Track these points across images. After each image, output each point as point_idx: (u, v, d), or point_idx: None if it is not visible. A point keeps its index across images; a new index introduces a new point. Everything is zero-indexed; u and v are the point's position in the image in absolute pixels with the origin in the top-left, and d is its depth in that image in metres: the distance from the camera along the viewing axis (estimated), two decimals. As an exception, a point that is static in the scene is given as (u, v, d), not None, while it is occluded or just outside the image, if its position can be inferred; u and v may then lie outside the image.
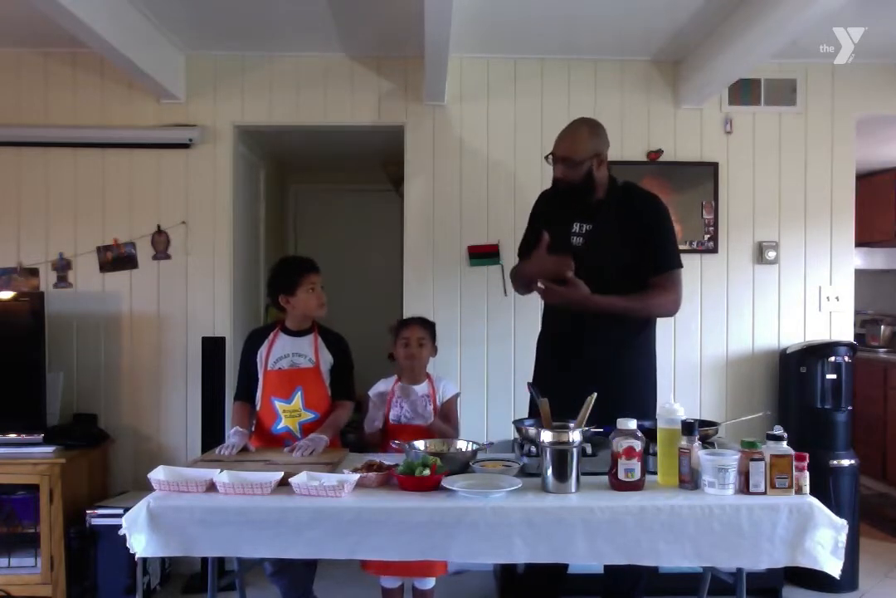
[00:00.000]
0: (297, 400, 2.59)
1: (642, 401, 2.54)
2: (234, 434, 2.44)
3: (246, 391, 2.67)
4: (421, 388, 2.71)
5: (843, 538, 1.86)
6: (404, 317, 3.09)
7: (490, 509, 1.85)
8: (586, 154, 2.50)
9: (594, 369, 2.51)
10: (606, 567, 2.49)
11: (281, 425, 2.59)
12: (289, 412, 2.59)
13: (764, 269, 3.60)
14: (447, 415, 2.72)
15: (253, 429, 2.62)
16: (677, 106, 3.58)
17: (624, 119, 3.58)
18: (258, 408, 2.63)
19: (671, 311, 2.63)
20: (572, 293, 2.41)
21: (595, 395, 2.11)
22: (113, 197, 3.50)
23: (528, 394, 2.43)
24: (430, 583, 2.66)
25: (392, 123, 3.58)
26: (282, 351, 2.64)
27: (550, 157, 2.58)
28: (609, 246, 2.53)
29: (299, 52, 3.51)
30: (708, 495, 1.91)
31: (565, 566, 2.63)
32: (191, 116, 3.52)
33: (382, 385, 2.72)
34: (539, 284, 2.46)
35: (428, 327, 2.80)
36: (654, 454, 2.06)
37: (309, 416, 2.59)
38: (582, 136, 2.53)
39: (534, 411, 2.64)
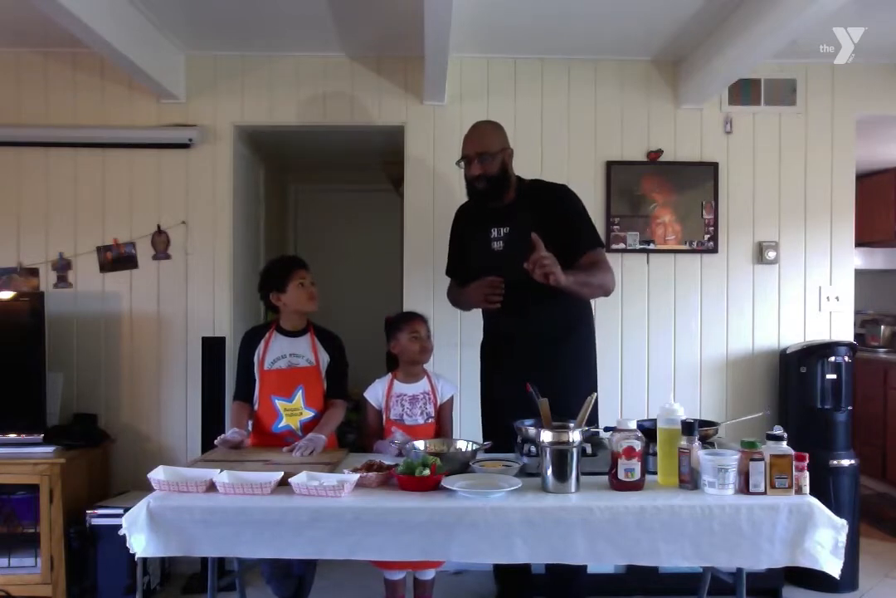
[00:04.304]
0: (299, 399, 2.60)
1: (578, 389, 2.50)
2: (231, 434, 2.45)
3: (245, 391, 2.66)
4: (420, 386, 2.69)
5: (842, 537, 1.86)
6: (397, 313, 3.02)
7: (490, 509, 1.85)
8: (497, 146, 2.62)
9: (532, 361, 2.58)
10: (548, 569, 2.57)
11: (282, 424, 2.59)
12: (290, 411, 2.59)
13: (764, 269, 3.60)
14: (443, 420, 2.71)
15: (250, 428, 2.62)
16: (677, 106, 3.59)
17: (624, 119, 3.58)
18: (256, 407, 2.63)
19: (613, 285, 2.66)
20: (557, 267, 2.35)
21: (595, 395, 2.11)
22: (113, 197, 3.50)
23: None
24: (430, 574, 2.68)
25: (392, 123, 3.58)
26: (279, 352, 2.63)
27: (462, 161, 2.65)
28: (529, 245, 2.51)
29: (299, 52, 3.51)
30: (708, 496, 1.91)
31: (528, 568, 2.67)
32: (191, 116, 3.52)
33: (379, 385, 2.70)
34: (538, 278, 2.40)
35: (426, 321, 2.78)
36: (654, 454, 2.06)
37: (309, 414, 2.60)
38: (488, 131, 2.66)
39: (488, 429, 2.75)
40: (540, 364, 2.57)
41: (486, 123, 2.73)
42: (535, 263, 2.32)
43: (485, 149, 2.59)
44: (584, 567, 2.57)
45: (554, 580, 2.63)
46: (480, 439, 2.56)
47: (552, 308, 2.57)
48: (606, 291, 2.66)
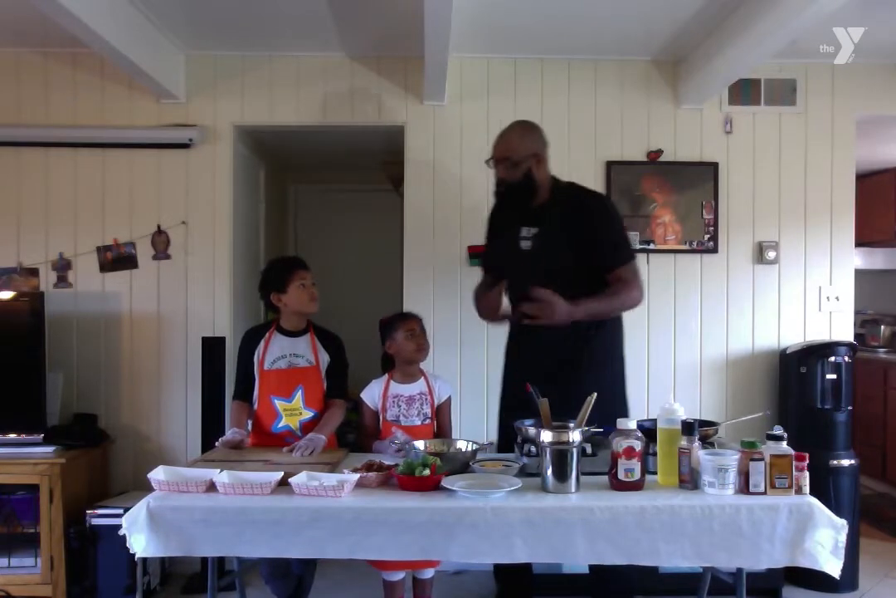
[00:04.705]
0: (298, 399, 2.60)
1: (607, 398, 2.53)
2: (231, 434, 2.46)
3: (244, 391, 2.67)
4: (417, 386, 2.68)
5: (842, 537, 1.86)
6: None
7: (490, 509, 1.85)
8: (522, 154, 2.56)
9: (555, 362, 2.54)
10: (592, 568, 2.50)
11: (282, 424, 2.60)
12: (289, 411, 2.59)
13: (764, 269, 3.60)
14: (441, 421, 2.70)
15: (250, 428, 2.62)
16: (677, 106, 3.59)
17: (624, 119, 3.58)
18: (255, 407, 2.64)
19: (638, 302, 2.61)
20: (557, 310, 2.35)
21: (595, 395, 2.11)
22: (113, 197, 3.50)
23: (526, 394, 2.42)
24: (429, 573, 2.68)
25: (392, 123, 3.58)
26: (279, 352, 2.63)
27: (492, 161, 2.62)
28: (556, 248, 2.52)
29: (299, 52, 3.51)
30: (708, 495, 1.91)
31: (529, 567, 2.65)
32: (191, 116, 3.52)
33: (375, 386, 2.69)
34: (524, 319, 2.42)
35: (421, 320, 2.77)
36: (654, 454, 2.06)
37: (309, 414, 2.60)
38: (515, 137, 2.60)
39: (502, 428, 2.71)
40: (563, 366, 2.53)
41: (518, 126, 2.64)
42: (535, 311, 2.35)
43: (507, 155, 2.56)
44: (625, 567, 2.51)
45: (598, 580, 2.58)
46: (483, 437, 2.56)
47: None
48: (632, 307, 2.60)
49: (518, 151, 2.56)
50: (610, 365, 2.66)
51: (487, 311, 2.80)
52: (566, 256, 2.52)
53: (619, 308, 2.59)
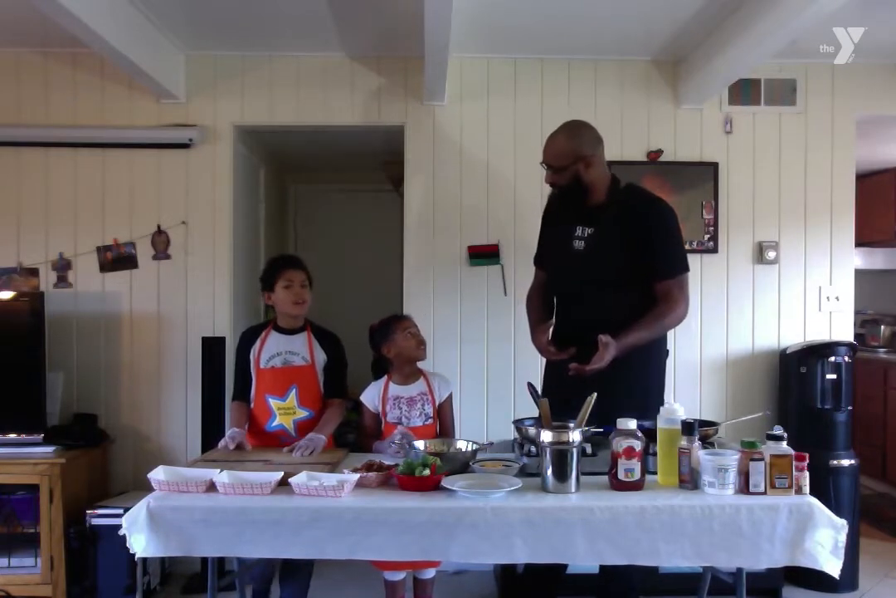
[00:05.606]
0: (292, 398, 2.60)
1: (645, 402, 2.54)
2: (231, 434, 2.45)
3: (243, 391, 2.67)
4: (416, 386, 2.68)
5: (842, 537, 1.86)
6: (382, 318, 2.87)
7: (490, 509, 1.85)
8: (565, 160, 2.49)
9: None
10: (601, 568, 2.49)
11: (275, 423, 2.60)
12: (283, 410, 2.59)
13: (764, 269, 3.60)
14: (444, 420, 2.70)
15: (247, 427, 2.62)
16: (677, 106, 3.59)
17: (624, 119, 3.58)
18: (252, 406, 2.64)
19: (683, 318, 2.54)
20: (608, 356, 2.31)
21: (595, 395, 2.11)
22: (113, 197, 3.50)
23: (527, 393, 2.42)
24: (430, 573, 2.68)
25: (392, 123, 3.58)
26: (275, 349, 2.63)
27: (543, 164, 2.60)
28: (610, 251, 2.49)
29: (299, 52, 3.51)
30: (708, 495, 1.91)
31: (564, 567, 2.63)
32: (191, 116, 3.52)
33: (374, 388, 2.68)
34: (572, 372, 2.37)
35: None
36: (654, 454, 2.06)
37: (303, 414, 2.60)
38: (558, 142, 2.53)
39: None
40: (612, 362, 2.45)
41: (563, 129, 2.55)
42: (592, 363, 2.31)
43: (549, 161, 2.52)
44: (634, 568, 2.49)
45: (603, 580, 2.56)
46: (483, 437, 2.55)
47: (625, 306, 2.48)
48: (676, 325, 2.55)
49: (561, 158, 2.49)
50: (657, 363, 2.63)
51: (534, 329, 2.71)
52: (618, 259, 2.48)
53: (666, 330, 2.54)
